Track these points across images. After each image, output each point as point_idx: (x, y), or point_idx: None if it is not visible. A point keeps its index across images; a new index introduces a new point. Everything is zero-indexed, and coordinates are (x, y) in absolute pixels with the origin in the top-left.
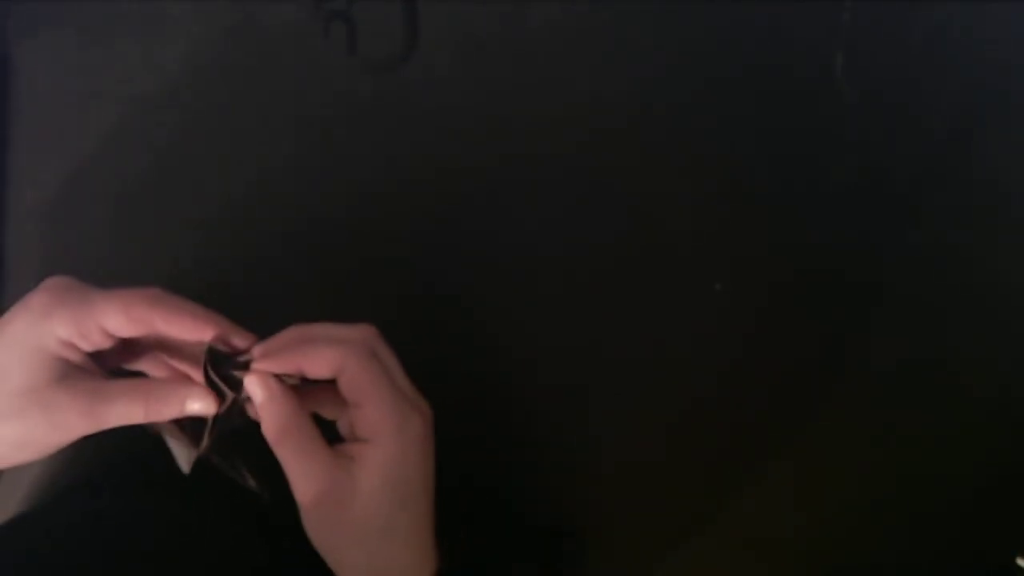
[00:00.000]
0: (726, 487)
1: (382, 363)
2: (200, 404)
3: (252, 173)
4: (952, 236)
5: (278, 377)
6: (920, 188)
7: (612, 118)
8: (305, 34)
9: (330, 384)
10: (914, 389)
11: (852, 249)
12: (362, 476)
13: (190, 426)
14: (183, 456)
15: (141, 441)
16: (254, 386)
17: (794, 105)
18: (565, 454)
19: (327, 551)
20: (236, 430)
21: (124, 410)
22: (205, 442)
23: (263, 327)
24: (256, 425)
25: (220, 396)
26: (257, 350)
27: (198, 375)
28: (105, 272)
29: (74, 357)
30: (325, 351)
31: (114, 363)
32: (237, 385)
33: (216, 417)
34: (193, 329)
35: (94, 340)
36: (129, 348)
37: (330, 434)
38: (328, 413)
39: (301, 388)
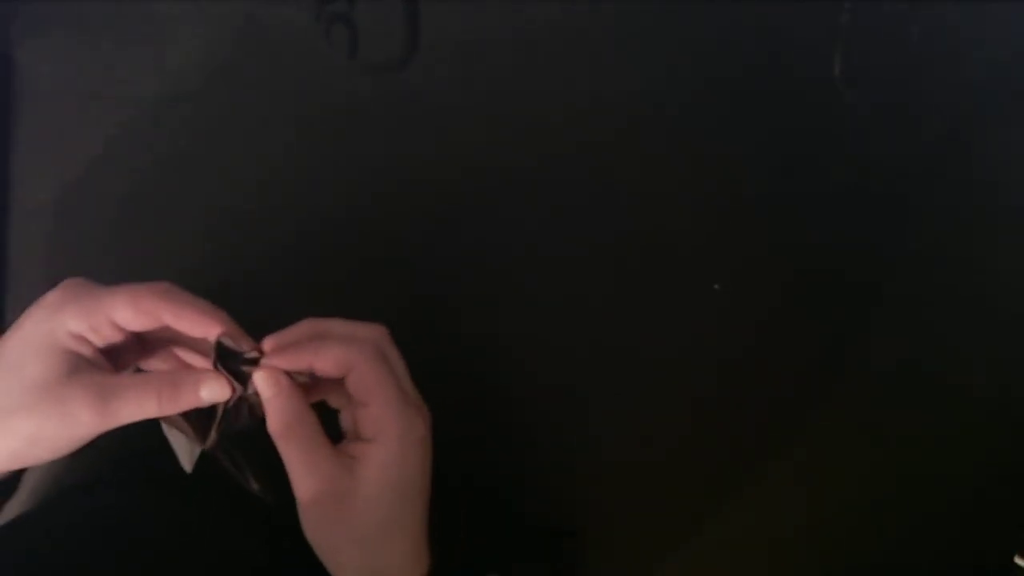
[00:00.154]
0: (726, 487)
1: (390, 364)
2: (214, 391)
3: (253, 174)
4: (952, 236)
5: (288, 373)
6: (920, 188)
7: (612, 118)
8: (306, 36)
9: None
10: (914, 389)
11: (852, 249)
12: (364, 475)
13: (197, 419)
14: (185, 455)
15: (142, 440)
16: (263, 380)
17: (794, 105)
18: (565, 454)
19: (324, 550)
20: (242, 432)
21: (136, 402)
22: (212, 436)
23: (264, 327)
24: (260, 428)
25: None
26: (268, 343)
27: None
28: (107, 272)
29: (86, 351)
30: (336, 350)
31: (128, 363)
32: (245, 380)
33: (225, 411)
34: (200, 323)
35: (104, 334)
36: (143, 348)
37: (329, 432)
38: (333, 402)
39: (308, 383)
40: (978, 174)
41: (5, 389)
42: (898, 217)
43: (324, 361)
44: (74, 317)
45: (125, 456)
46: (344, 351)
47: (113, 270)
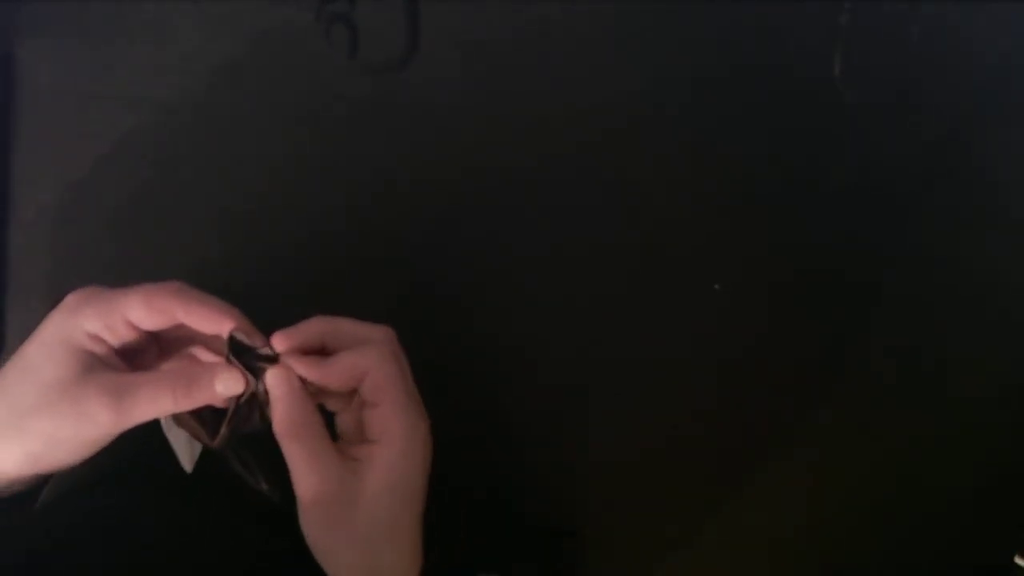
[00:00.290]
0: (726, 487)
1: (400, 366)
2: (228, 384)
3: (253, 174)
4: (952, 236)
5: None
6: (920, 188)
7: (612, 118)
8: (306, 36)
9: None
10: (914, 389)
11: (852, 249)
12: (369, 477)
13: (207, 418)
14: (185, 455)
15: (142, 440)
16: (274, 378)
17: (794, 105)
18: (565, 454)
19: (322, 550)
20: (252, 434)
21: (150, 399)
22: (223, 432)
23: (264, 327)
24: (270, 430)
25: None
26: (277, 338)
27: None
28: (107, 273)
29: (102, 351)
30: (349, 362)
31: (147, 366)
32: (257, 376)
33: (237, 407)
34: (212, 319)
35: (120, 333)
36: (160, 350)
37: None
38: (332, 405)
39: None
40: (978, 174)
41: (24, 391)
42: (898, 217)
43: (339, 376)
44: (90, 317)
45: (125, 456)
46: (358, 360)
47: (113, 270)
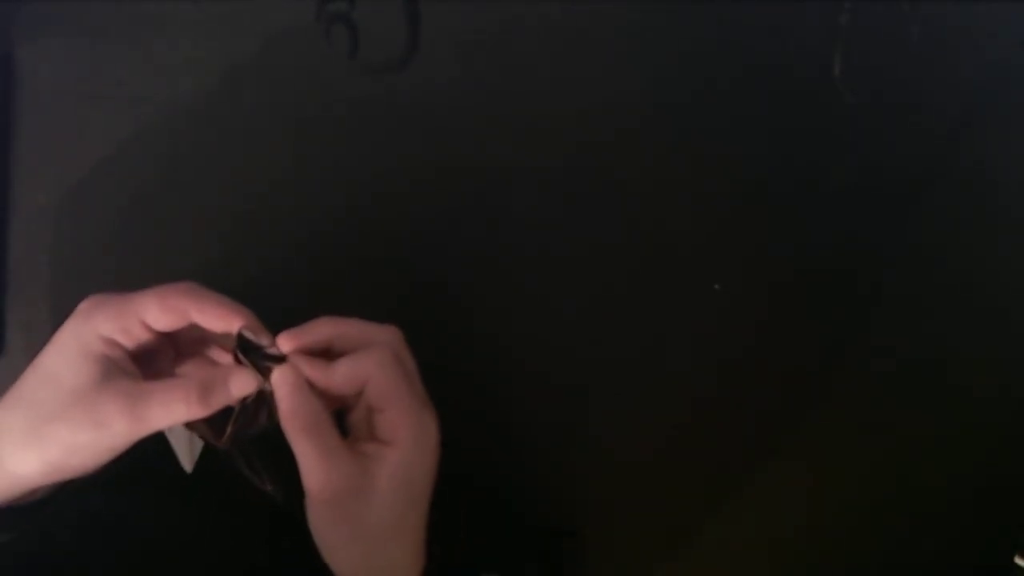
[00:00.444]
0: (726, 487)
1: (404, 368)
2: (241, 384)
3: (253, 174)
4: (952, 236)
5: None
6: (920, 188)
7: (612, 118)
8: (306, 36)
9: None
10: (914, 389)
11: (852, 249)
12: (379, 475)
13: (213, 417)
14: (185, 455)
15: (142, 440)
16: (282, 375)
17: (794, 105)
18: (565, 454)
19: (328, 546)
20: (258, 434)
21: (165, 405)
22: (229, 431)
23: (266, 328)
24: (276, 430)
25: None
26: (284, 338)
27: None
28: (107, 273)
29: (118, 355)
30: (348, 369)
31: (163, 370)
32: (265, 375)
33: (243, 406)
34: (222, 317)
35: (135, 334)
36: (176, 353)
37: None
38: (339, 405)
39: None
40: (978, 174)
41: (42, 400)
42: (898, 217)
43: (340, 382)
44: (105, 321)
45: (125, 456)
46: (358, 367)
47: (113, 270)
